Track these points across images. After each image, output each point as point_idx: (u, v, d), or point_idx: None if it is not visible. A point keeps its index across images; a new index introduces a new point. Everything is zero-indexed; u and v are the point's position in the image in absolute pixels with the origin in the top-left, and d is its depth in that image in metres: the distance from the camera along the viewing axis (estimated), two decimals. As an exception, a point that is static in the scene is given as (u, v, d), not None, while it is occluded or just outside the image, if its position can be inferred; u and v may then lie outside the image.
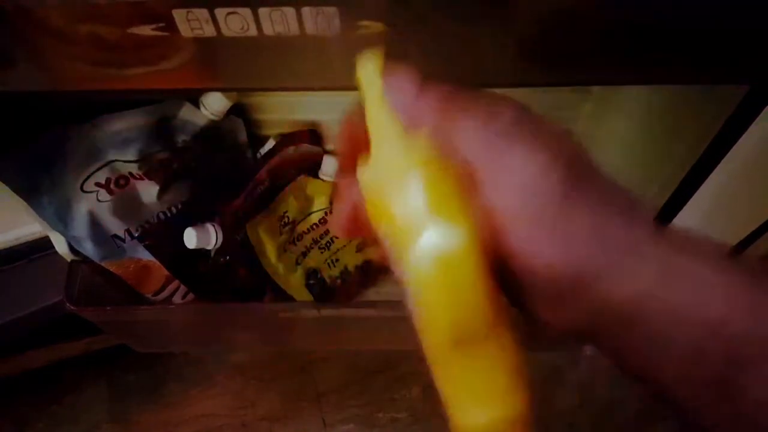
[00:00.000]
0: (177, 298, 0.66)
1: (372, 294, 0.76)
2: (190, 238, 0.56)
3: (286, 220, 0.64)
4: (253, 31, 0.26)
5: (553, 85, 0.33)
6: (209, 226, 0.58)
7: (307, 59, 0.29)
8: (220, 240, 0.58)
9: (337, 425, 0.97)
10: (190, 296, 0.67)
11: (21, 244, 0.71)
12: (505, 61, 0.29)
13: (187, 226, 0.58)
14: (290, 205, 0.64)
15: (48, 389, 0.89)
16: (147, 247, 0.57)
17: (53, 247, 0.71)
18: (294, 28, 0.26)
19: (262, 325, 0.65)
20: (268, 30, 0.26)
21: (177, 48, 0.28)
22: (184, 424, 0.92)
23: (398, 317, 0.63)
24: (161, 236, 0.58)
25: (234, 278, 0.63)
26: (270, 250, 0.63)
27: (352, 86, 0.22)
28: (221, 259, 0.61)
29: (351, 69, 0.22)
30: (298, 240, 0.66)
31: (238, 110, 0.60)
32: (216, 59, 0.29)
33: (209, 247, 0.58)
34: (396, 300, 0.65)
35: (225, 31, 0.26)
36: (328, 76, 0.30)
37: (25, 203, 0.54)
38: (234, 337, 0.69)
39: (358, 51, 0.21)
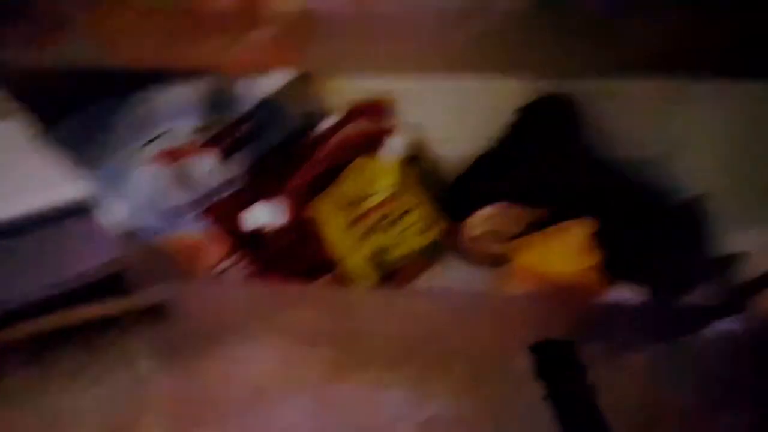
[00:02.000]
0: (233, 273, 0.63)
1: (430, 277, 0.72)
2: (257, 216, 0.53)
3: (351, 197, 0.60)
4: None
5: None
6: (275, 203, 0.54)
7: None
8: (286, 218, 0.55)
9: (382, 393, 0.95)
10: (246, 273, 0.64)
11: (68, 205, 0.69)
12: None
13: (250, 202, 0.54)
14: (356, 183, 0.59)
15: (98, 340, 0.89)
16: (209, 223, 0.54)
17: (101, 210, 0.68)
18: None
19: (323, 305, 0.62)
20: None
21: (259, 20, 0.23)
22: (229, 381, 0.92)
23: (466, 307, 0.59)
24: (223, 212, 0.54)
25: (296, 257, 0.60)
26: (334, 228, 0.59)
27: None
28: (285, 237, 0.57)
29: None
30: (362, 219, 0.61)
31: (301, 80, 0.55)
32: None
33: (274, 225, 0.55)
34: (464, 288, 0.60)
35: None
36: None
37: (82, 170, 0.51)
38: (291, 316, 0.66)
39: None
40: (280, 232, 0.57)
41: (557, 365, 0.96)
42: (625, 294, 0.69)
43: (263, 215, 0.53)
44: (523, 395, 0.98)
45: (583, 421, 0.90)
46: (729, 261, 0.58)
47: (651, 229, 0.64)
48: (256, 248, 0.59)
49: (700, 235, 0.61)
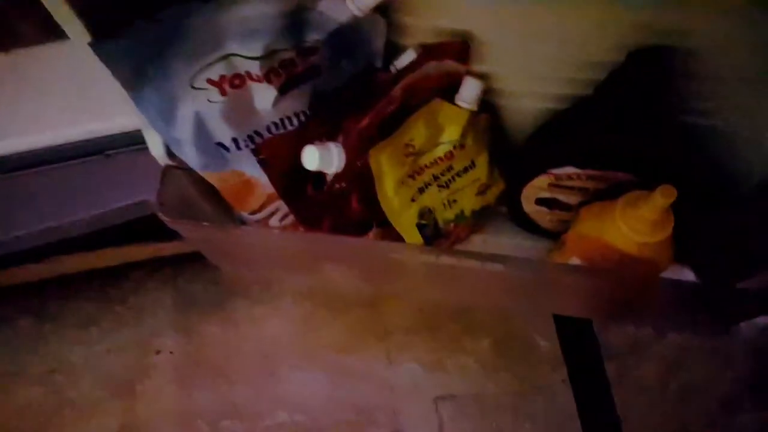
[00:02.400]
0: (274, 221, 0.59)
1: (479, 242, 0.68)
2: (312, 158, 0.48)
3: (411, 149, 0.54)
4: None
5: None
6: (332, 146, 0.49)
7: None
8: (343, 163, 0.50)
9: (402, 363, 0.93)
10: (289, 220, 0.59)
11: (99, 137, 0.64)
12: None
13: (305, 143, 0.49)
14: (418, 132, 0.54)
15: (114, 289, 0.85)
16: (260, 162, 0.49)
17: (135, 143, 0.63)
18: None
19: (367, 263, 0.58)
20: None
21: None
22: (247, 341, 0.88)
23: (525, 276, 0.55)
24: (277, 151, 0.49)
25: (344, 208, 0.55)
26: (389, 181, 0.54)
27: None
28: (337, 186, 0.52)
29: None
30: (418, 174, 0.56)
31: (381, 10, 0.49)
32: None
33: (330, 171, 0.50)
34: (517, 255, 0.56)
35: None
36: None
37: (125, 92, 0.46)
38: (331, 271, 0.62)
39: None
40: (334, 178, 0.52)
41: (577, 347, 0.94)
42: (684, 273, 0.66)
43: (318, 157, 0.48)
44: (546, 377, 0.96)
45: (598, 406, 0.89)
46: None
47: (726, 209, 0.61)
48: (304, 194, 0.54)
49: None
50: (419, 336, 0.95)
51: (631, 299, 0.60)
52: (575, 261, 0.58)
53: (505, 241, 0.68)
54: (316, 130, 0.50)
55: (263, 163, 0.49)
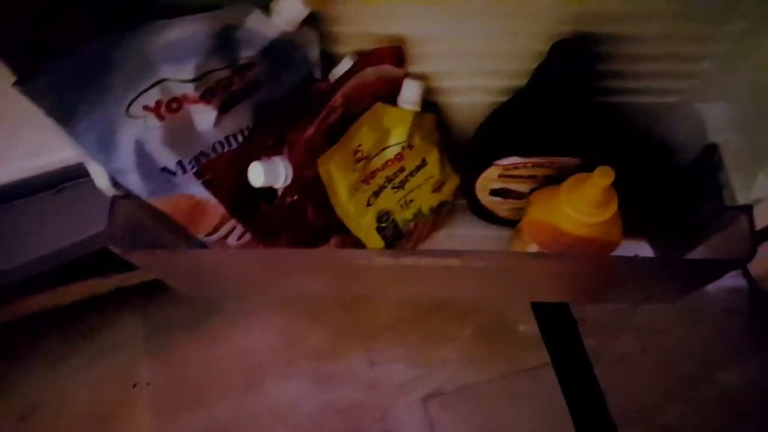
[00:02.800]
0: (232, 240, 0.58)
1: (443, 236, 0.69)
2: (257, 175, 0.48)
3: (360, 154, 0.54)
4: None
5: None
6: (278, 161, 0.49)
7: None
8: (290, 177, 0.50)
9: (386, 364, 0.93)
10: (247, 237, 0.59)
11: (49, 172, 0.63)
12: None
13: (249, 159, 0.48)
14: (365, 137, 0.54)
15: (82, 325, 0.83)
16: (205, 184, 0.48)
17: (85, 175, 0.62)
18: None
19: (331, 272, 0.58)
20: None
21: None
22: (226, 359, 0.88)
23: (485, 267, 0.56)
24: (221, 171, 0.49)
25: (300, 220, 0.55)
26: (342, 189, 0.54)
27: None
28: (288, 199, 0.52)
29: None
30: (371, 178, 0.57)
31: (311, 21, 0.49)
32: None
33: (278, 185, 0.49)
34: (479, 249, 0.57)
35: None
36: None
37: (59, 128, 0.45)
38: (294, 283, 0.61)
39: None
40: (284, 192, 0.52)
41: (557, 329, 0.95)
42: (642, 247, 0.68)
43: (264, 173, 0.48)
44: (529, 360, 0.97)
45: (581, 386, 0.90)
46: (740, 212, 0.56)
47: (663, 180, 0.62)
48: (257, 211, 0.54)
49: (713, 185, 0.59)
50: (400, 334, 0.95)
51: (591, 280, 0.61)
52: (534, 247, 0.59)
53: (468, 233, 0.69)
54: (258, 145, 0.50)
55: (209, 185, 0.48)
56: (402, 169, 0.59)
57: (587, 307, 0.99)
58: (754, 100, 0.55)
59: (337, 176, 0.53)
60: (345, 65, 0.51)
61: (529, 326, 0.98)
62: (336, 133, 0.53)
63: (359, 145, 0.54)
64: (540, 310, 0.97)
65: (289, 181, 0.50)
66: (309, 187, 0.53)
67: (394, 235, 0.62)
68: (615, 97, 0.58)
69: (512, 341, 0.95)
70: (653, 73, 0.56)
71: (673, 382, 0.96)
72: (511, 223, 0.66)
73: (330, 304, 0.94)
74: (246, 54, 0.48)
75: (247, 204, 0.53)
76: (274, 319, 0.90)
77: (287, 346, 0.91)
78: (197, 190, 0.53)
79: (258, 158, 0.49)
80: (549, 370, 0.96)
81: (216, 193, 0.50)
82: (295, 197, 0.53)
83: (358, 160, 0.55)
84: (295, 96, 0.52)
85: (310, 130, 0.50)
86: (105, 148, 0.47)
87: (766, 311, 0.94)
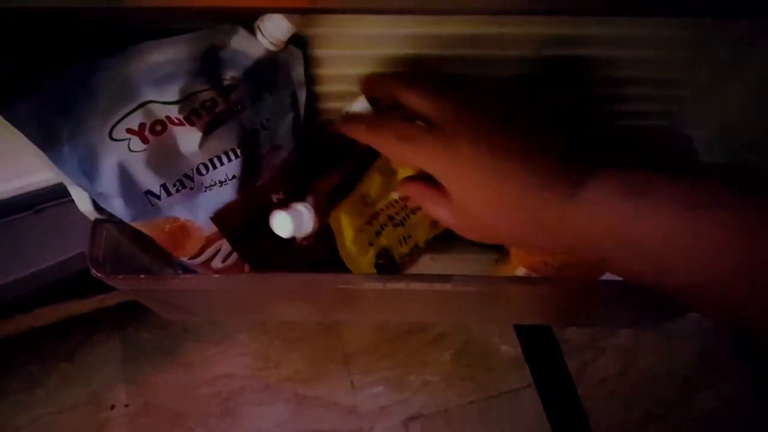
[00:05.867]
0: (217, 263, 0.57)
1: (427, 260, 0.68)
2: (284, 226, 0.47)
3: (368, 199, 0.55)
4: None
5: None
6: (303, 210, 0.48)
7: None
8: (315, 226, 0.49)
9: (366, 388, 0.92)
10: (232, 259, 0.58)
11: (27, 193, 0.61)
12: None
13: (256, 204, 0.48)
14: (374, 182, 0.55)
15: (58, 347, 0.81)
16: (219, 227, 0.48)
17: (63, 196, 0.61)
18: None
19: (318, 295, 0.57)
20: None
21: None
22: (203, 385, 0.86)
23: (474, 292, 0.56)
24: (233, 217, 0.48)
25: (305, 258, 0.55)
26: (348, 234, 0.54)
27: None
28: (304, 243, 0.52)
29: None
30: (374, 219, 0.57)
31: (298, 43, 0.49)
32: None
33: (303, 235, 0.49)
34: (468, 274, 0.57)
35: None
36: None
37: (40, 152, 0.44)
38: (281, 307, 0.61)
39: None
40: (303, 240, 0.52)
41: (539, 351, 0.96)
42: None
43: (292, 224, 0.47)
44: (510, 381, 0.96)
45: (565, 408, 0.90)
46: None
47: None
48: (257, 246, 0.53)
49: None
50: (380, 356, 0.94)
51: (579, 304, 0.61)
52: (521, 271, 0.59)
53: (452, 256, 0.69)
54: (267, 190, 0.50)
55: (222, 229, 0.49)
56: (404, 207, 0.59)
57: (568, 329, 0.99)
58: (743, 123, 0.56)
59: (346, 222, 0.54)
60: (360, 105, 0.49)
61: (510, 346, 0.98)
62: (355, 179, 0.54)
63: (368, 190, 0.55)
64: (523, 333, 0.97)
65: (314, 230, 0.49)
66: (323, 233, 0.53)
67: (389, 269, 0.62)
68: (602, 119, 0.59)
69: (492, 363, 0.95)
70: (640, 96, 0.57)
71: (652, 404, 0.96)
72: (496, 247, 0.66)
73: (309, 328, 0.93)
74: (230, 74, 0.47)
75: (249, 239, 0.52)
76: (251, 343, 0.89)
77: (265, 370, 0.89)
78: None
79: (264, 202, 0.48)
80: (530, 392, 0.96)
81: (232, 242, 0.50)
82: (311, 240, 0.53)
83: (365, 205, 0.55)
84: (277, 116, 0.51)
85: (335, 177, 0.50)
86: (88, 172, 0.46)
87: (745, 330, 0.96)
